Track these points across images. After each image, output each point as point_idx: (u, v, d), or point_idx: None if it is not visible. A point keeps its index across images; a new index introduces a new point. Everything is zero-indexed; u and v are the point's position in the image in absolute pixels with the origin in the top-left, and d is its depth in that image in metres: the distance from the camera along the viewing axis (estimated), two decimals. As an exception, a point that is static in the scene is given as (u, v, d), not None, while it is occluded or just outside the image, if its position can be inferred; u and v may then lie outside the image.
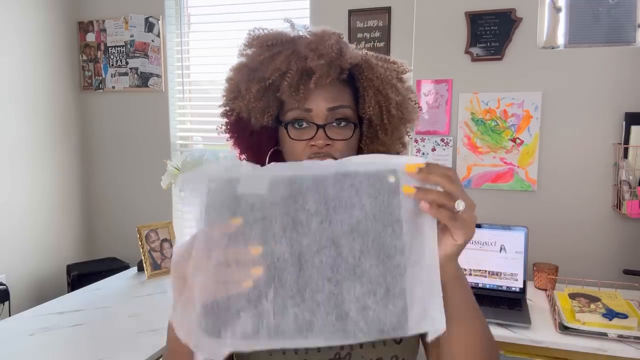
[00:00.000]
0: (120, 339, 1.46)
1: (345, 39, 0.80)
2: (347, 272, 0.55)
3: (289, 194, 0.56)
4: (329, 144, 0.75)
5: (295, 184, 0.56)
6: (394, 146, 0.84)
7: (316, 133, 0.75)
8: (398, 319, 0.55)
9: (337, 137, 0.76)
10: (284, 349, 0.74)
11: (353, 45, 0.82)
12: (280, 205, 0.55)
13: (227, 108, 0.84)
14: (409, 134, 0.86)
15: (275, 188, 0.56)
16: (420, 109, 0.87)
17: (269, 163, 0.85)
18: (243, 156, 0.89)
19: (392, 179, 0.56)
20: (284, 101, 0.78)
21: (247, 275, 0.54)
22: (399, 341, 0.76)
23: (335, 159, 0.75)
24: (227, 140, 0.87)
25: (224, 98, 0.83)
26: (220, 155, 2.03)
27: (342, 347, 0.74)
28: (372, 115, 0.78)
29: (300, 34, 0.78)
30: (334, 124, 0.76)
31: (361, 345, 0.74)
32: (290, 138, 0.77)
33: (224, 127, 0.86)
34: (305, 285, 0.55)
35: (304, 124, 0.76)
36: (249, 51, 0.79)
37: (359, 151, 0.84)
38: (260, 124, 0.80)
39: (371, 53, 0.82)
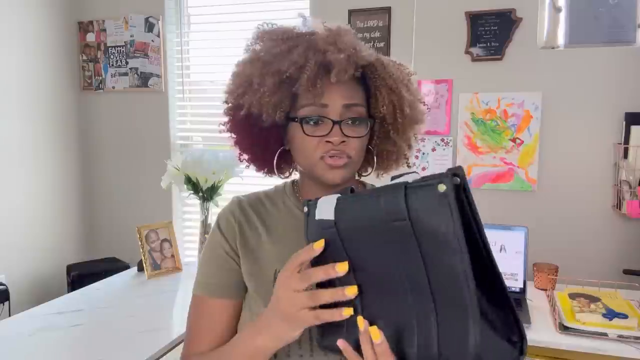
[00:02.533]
0: (120, 339, 1.46)
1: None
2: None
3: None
4: (344, 141, 0.74)
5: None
6: (404, 146, 0.84)
7: (332, 129, 0.74)
8: None
9: (352, 134, 0.75)
10: (289, 355, 0.73)
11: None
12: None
13: (231, 105, 0.81)
14: (416, 136, 0.86)
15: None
16: (429, 110, 0.88)
17: (276, 163, 0.84)
18: (244, 156, 0.86)
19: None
20: (295, 97, 0.76)
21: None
22: None
23: (350, 157, 0.75)
24: (230, 138, 0.85)
25: (230, 94, 0.80)
26: (220, 155, 2.02)
27: None
28: (386, 114, 0.77)
29: (313, 29, 0.77)
30: (349, 121, 0.75)
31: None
32: (305, 134, 0.75)
33: (227, 125, 0.84)
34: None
35: (319, 120, 0.75)
36: (257, 46, 0.77)
37: (368, 152, 0.83)
38: (271, 119, 0.76)
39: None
